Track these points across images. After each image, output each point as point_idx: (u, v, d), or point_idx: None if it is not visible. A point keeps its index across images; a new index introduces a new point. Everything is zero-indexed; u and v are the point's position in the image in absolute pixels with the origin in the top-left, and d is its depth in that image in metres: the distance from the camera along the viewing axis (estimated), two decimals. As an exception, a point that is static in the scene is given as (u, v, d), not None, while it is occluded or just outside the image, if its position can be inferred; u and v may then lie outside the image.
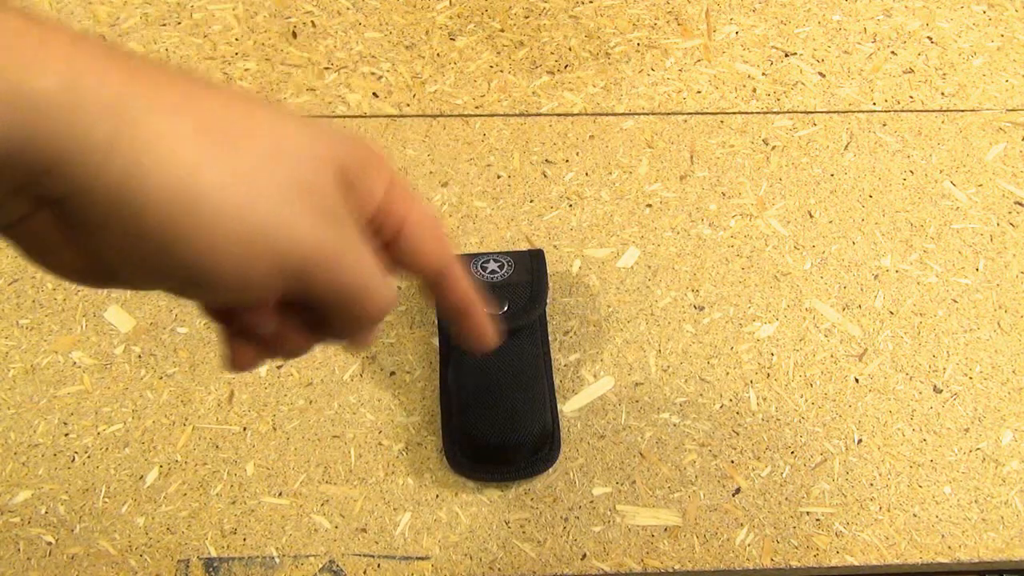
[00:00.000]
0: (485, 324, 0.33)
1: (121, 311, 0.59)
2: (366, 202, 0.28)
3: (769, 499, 0.53)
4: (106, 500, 0.52)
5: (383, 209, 0.29)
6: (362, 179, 0.27)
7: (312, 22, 0.74)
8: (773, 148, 0.68)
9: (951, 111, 0.70)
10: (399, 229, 0.29)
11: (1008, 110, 0.70)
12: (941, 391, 0.57)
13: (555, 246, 0.62)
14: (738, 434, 0.55)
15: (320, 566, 0.50)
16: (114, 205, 0.22)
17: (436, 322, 0.58)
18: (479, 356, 0.33)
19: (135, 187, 0.22)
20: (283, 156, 0.25)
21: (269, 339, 0.29)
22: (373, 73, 0.71)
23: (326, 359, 0.57)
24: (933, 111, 0.70)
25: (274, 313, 0.28)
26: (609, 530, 0.51)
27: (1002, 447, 0.55)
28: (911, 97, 0.71)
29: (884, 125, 0.69)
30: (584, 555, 0.51)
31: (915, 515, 0.52)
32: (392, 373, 0.56)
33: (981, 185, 0.66)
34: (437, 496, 0.52)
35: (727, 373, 0.57)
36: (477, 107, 0.69)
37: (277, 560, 0.50)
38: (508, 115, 0.69)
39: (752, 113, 0.69)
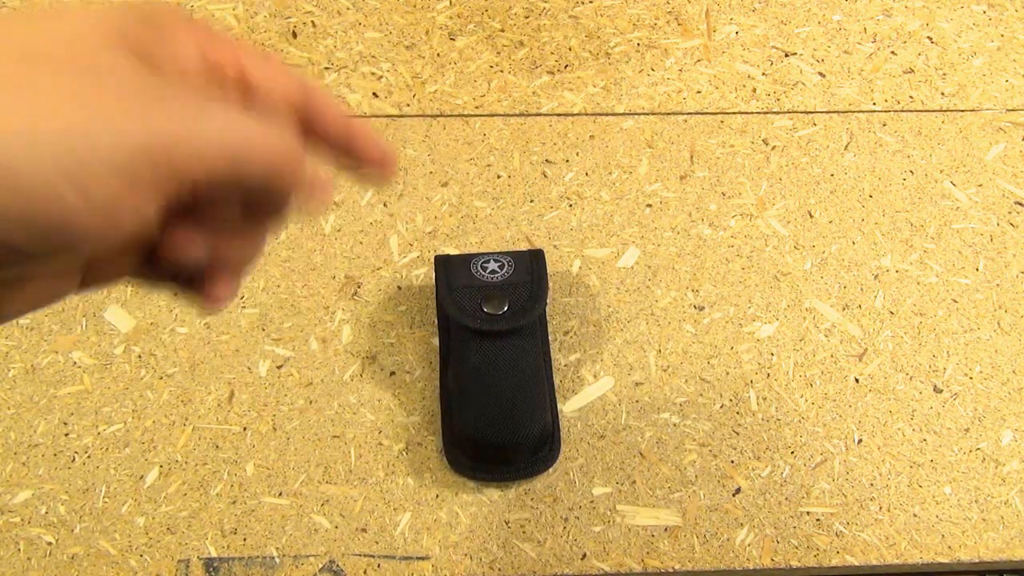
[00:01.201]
0: (374, 138, 0.28)
1: (121, 311, 0.59)
2: (182, 65, 0.23)
3: (769, 499, 0.53)
4: (106, 500, 0.52)
5: (210, 68, 0.24)
6: (161, 42, 0.23)
7: (312, 22, 0.74)
8: (773, 148, 0.68)
9: (951, 111, 0.70)
10: (243, 83, 0.25)
11: (1008, 110, 0.70)
12: (941, 391, 0.57)
13: (555, 246, 0.62)
14: (738, 434, 0.55)
15: (320, 566, 0.50)
16: None
17: (436, 322, 0.58)
18: (380, 174, 0.29)
19: None
20: (51, 54, 0.20)
21: (216, 262, 0.25)
22: (373, 73, 0.71)
23: (326, 359, 0.57)
24: (933, 111, 0.70)
25: (193, 236, 0.24)
26: (609, 530, 0.51)
27: (1002, 447, 0.55)
28: (911, 97, 0.71)
29: (884, 125, 0.69)
30: (584, 555, 0.51)
31: (915, 515, 0.52)
32: (392, 373, 0.56)
33: (981, 185, 0.66)
34: (437, 496, 0.52)
35: (727, 373, 0.57)
36: (477, 107, 0.69)
37: (277, 560, 0.50)
38: (508, 115, 0.69)
39: (752, 113, 0.69)
